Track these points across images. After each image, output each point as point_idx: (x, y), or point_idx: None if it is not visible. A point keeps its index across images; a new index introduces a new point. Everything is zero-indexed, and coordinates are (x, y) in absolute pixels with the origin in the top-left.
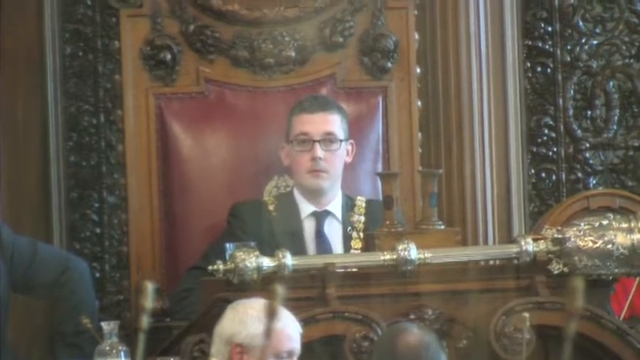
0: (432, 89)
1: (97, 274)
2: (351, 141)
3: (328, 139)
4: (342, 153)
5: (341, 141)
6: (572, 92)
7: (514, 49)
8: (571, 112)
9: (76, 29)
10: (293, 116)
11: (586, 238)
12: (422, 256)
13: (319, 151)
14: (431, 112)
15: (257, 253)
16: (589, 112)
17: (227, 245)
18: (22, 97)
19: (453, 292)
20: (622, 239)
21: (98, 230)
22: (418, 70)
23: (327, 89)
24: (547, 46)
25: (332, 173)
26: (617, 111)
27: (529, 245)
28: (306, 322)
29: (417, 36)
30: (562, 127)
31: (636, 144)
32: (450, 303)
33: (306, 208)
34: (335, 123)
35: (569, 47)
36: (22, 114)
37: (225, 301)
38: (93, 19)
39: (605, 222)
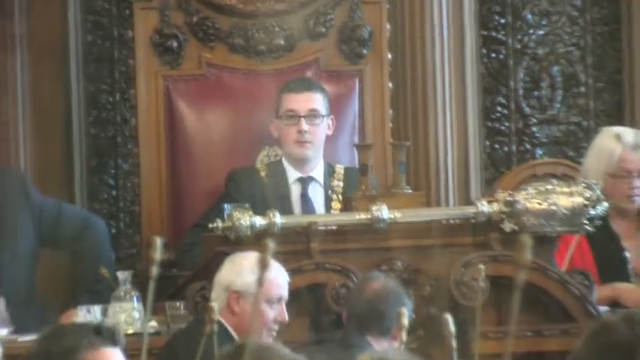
0: (401, 72)
1: (113, 231)
2: (332, 116)
3: (312, 114)
4: (324, 127)
5: (323, 116)
6: (521, 75)
7: (472, 38)
8: (520, 92)
9: (95, 20)
10: (282, 95)
11: (533, 201)
12: (392, 216)
13: (304, 125)
14: (400, 92)
15: (251, 213)
16: (536, 93)
17: (225, 206)
18: (49, 79)
19: (418, 247)
20: (564, 202)
21: (114, 193)
22: (389, 56)
23: (312, 72)
24: (500, 36)
25: (315, 144)
26: (560, 92)
27: (484, 207)
28: (293, 273)
29: (388, 27)
30: (513, 106)
31: (576, 120)
32: (416, 256)
33: (292, 174)
34: (318, 101)
35: (519, 37)
36: (49, 93)
37: (223, 254)
38: (110, 12)
39: (549, 187)
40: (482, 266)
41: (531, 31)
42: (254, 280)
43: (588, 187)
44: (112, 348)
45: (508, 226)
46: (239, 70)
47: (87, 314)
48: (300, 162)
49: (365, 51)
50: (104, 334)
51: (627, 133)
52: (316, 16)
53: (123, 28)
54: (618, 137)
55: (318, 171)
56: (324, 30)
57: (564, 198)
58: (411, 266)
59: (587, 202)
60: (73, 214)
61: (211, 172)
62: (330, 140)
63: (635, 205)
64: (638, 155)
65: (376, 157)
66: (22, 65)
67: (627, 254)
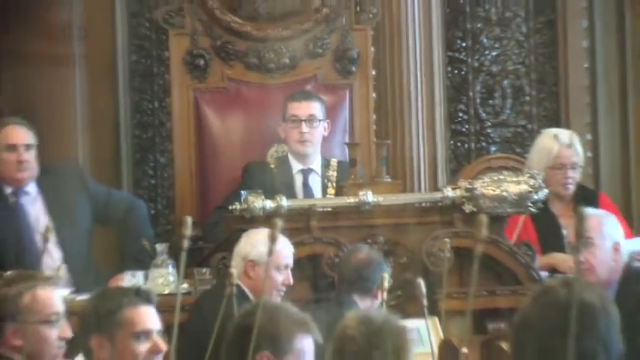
0: (382, 85)
1: (152, 211)
2: (327, 120)
3: (311, 119)
4: (321, 129)
5: (320, 120)
6: (478, 88)
7: (439, 58)
8: (478, 101)
9: (139, 43)
10: (287, 103)
11: (488, 188)
12: (375, 199)
13: (304, 127)
14: (382, 101)
15: (262, 197)
16: (490, 102)
17: (242, 192)
18: (102, 90)
19: (396, 225)
20: (513, 188)
21: (153, 181)
22: (373, 72)
23: (311, 85)
24: (461, 56)
25: (314, 142)
26: (510, 100)
27: (449, 193)
28: (296, 245)
29: (372, 49)
30: (472, 112)
31: (522, 123)
32: (395, 232)
33: (296, 166)
34: (316, 108)
35: (476, 57)
36: (102, 101)
37: (240, 230)
38: (150, 37)
39: (501, 177)
40: (447, 240)
41: (487, 52)
42: (265, 251)
43: (532, 177)
44: (148, 306)
45: (468, 208)
46: (253, 83)
47: (132, 278)
48: (301, 157)
49: (354, 68)
50: (142, 295)
51: (563, 133)
52: (315, 40)
53: (160, 50)
54: (556, 137)
55: (316, 164)
56: (321, 51)
57: (513, 185)
58: (390, 240)
59: (531, 189)
60: (120, 198)
61: (231, 165)
62: (325, 139)
63: (569, 191)
64: (571, 151)
65: (363, 152)
66: (80, 79)
67: (564, 231)
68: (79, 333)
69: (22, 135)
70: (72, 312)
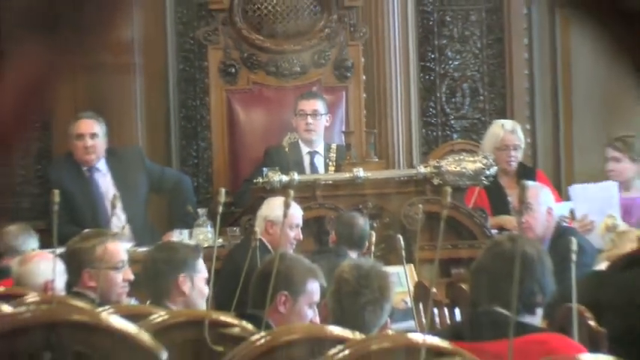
0: (370, 88)
1: (195, 184)
2: (329, 114)
3: (315, 113)
4: (323, 121)
5: (322, 114)
6: (444, 89)
7: (414, 67)
8: (444, 99)
9: (185, 55)
10: (297, 101)
11: (451, 165)
12: (365, 175)
13: (310, 120)
14: (370, 100)
15: (279, 173)
16: (453, 100)
17: (263, 169)
18: (156, 92)
19: (381, 194)
20: (470, 166)
21: (195, 161)
22: (364, 77)
23: (316, 87)
24: (431, 65)
25: (317, 132)
26: (468, 99)
27: (422, 169)
28: (304, 209)
29: (363, 60)
30: (439, 108)
31: (477, 116)
32: (380, 199)
33: (304, 149)
34: (319, 105)
35: (442, 66)
36: (155, 101)
37: (262, 198)
38: (193, 50)
39: (461, 157)
40: (420, 205)
41: (450, 62)
42: (281, 214)
43: (485, 157)
44: (196, 257)
45: (436, 181)
46: (272, 86)
47: (179, 235)
48: (308, 142)
49: (349, 74)
50: (190, 247)
51: (507, 123)
52: (319, 53)
53: (201, 61)
54: (502, 125)
55: (320, 147)
56: (323, 62)
57: (470, 164)
58: (376, 205)
59: (484, 167)
60: (170, 173)
61: (255, 148)
62: (327, 129)
63: (513, 168)
64: (514, 136)
65: (355, 139)
66: (139, 83)
67: (509, 198)
68: (163, 275)
69: (88, 126)
70: (133, 260)
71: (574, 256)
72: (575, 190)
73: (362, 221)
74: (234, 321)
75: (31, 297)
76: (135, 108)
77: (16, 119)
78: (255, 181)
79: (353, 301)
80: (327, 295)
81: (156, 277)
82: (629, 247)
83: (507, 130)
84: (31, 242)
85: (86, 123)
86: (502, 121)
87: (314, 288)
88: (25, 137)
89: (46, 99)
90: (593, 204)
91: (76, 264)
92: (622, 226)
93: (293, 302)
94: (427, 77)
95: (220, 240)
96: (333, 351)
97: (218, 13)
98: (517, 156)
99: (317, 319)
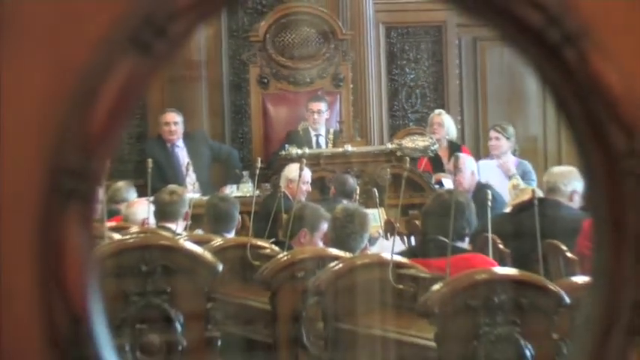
0: (356, 93)
1: (241, 155)
2: (328, 110)
3: (319, 111)
4: (324, 115)
5: (324, 111)
6: (404, 94)
7: (384, 79)
8: (403, 100)
9: (234, 71)
10: (307, 102)
11: (409, 143)
12: (352, 149)
13: (316, 116)
14: (355, 101)
15: (296, 148)
16: (410, 101)
17: (285, 145)
18: (215, 95)
19: (363, 162)
20: (421, 143)
21: (241, 140)
22: (351, 86)
23: (320, 93)
24: (396, 78)
25: (321, 122)
26: (419, 100)
27: (389, 146)
28: (312, 172)
29: (351, 74)
30: (400, 106)
31: (425, 111)
32: (362, 165)
33: (312, 133)
34: (322, 105)
35: (403, 78)
36: (215, 102)
37: (285, 164)
38: (240, 67)
39: (415, 137)
40: (388, 169)
41: (408, 76)
42: (297, 175)
43: (430, 138)
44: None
45: (399, 153)
46: (291, 91)
47: (230, 188)
48: (315, 129)
49: (341, 84)
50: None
51: (436, 111)
52: (322, 69)
53: (245, 74)
54: (439, 114)
55: (322, 132)
56: (325, 75)
57: (421, 142)
58: (360, 169)
59: (429, 144)
60: (225, 148)
61: (280, 132)
62: (327, 120)
63: (446, 143)
64: (439, 118)
65: (346, 126)
66: (204, 89)
67: (445, 165)
68: (220, 214)
69: (171, 117)
70: (200, 205)
71: (489, 203)
72: (481, 164)
73: (351, 180)
74: (267, 245)
75: (133, 229)
76: (201, 105)
77: (119, 113)
78: (280, 153)
79: (343, 231)
80: (327, 228)
81: (215, 215)
82: (525, 198)
83: (435, 114)
84: (133, 193)
85: (170, 115)
86: (438, 111)
87: (325, 227)
88: (127, 124)
89: (139, 99)
90: (492, 172)
91: (161, 207)
92: (522, 185)
93: (310, 237)
94: (393, 86)
95: (257, 192)
96: (331, 265)
97: (256, 43)
98: (440, 132)
99: (321, 244)
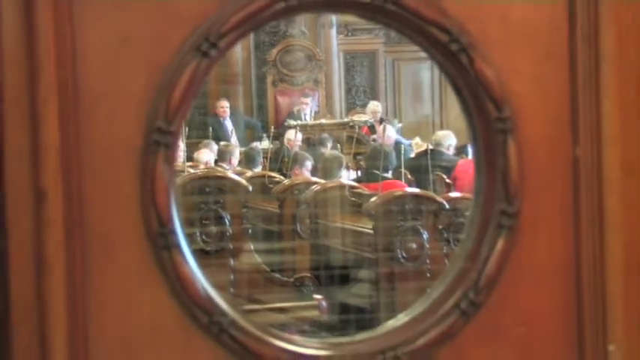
0: (328, 91)
1: (262, 124)
2: (311, 100)
3: (308, 103)
4: (311, 105)
5: (310, 103)
6: (354, 92)
7: (342, 84)
8: (353, 93)
9: (258, 77)
10: (300, 97)
11: (357, 118)
12: (326, 122)
13: (304, 106)
14: (327, 95)
15: (293, 121)
16: (357, 94)
17: (287, 119)
18: (247, 92)
19: (331, 129)
20: (364, 118)
21: (262, 117)
22: (324, 86)
23: (307, 90)
24: (349, 81)
25: (308, 109)
26: (362, 94)
27: (345, 120)
28: (303, 135)
29: (324, 79)
30: (352, 101)
31: (366, 100)
32: (331, 131)
33: (302, 113)
34: (308, 98)
35: (353, 82)
36: (247, 95)
37: (287, 130)
38: (260, 75)
39: (360, 115)
40: (345, 133)
41: (355, 81)
42: (294, 136)
43: (369, 115)
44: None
45: (351, 124)
46: (290, 89)
47: (256, 143)
48: (304, 110)
49: (318, 85)
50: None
51: (373, 102)
52: (308, 76)
53: (264, 79)
54: (374, 103)
55: (308, 112)
56: (309, 80)
57: (364, 117)
58: (329, 133)
59: (367, 119)
60: (253, 121)
61: (284, 112)
62: (310, 106)
63: (379, 118)
64: (375, 106)
65: (321, 109)
66: (242, 88)
67: (377, 130)
68: (250, 156)
69: (223, 102)
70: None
71: (402, 152)
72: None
73: (329, 138)
74: (277, 175)
75: (202, 166)
76: (239, 96)
77: (188, 95)
78: (284, 124)
79: (330, 165)
80: (311, 165)
81: (247, 158)
82: (422, 149)
83: (372, 103)
84: (205, 146)
85: (222, 101)
86: (372, 101)
87: (309, 165)
88: (193, 103)
89: (201, 87)
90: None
91: (218, 154)
92: (420, 142)
93: (300, 171)
94: (347, 85)
95: (271, 145)
96: (313, 186)
97: (270, 61)
98: (377, 110)
99: (308, 175)
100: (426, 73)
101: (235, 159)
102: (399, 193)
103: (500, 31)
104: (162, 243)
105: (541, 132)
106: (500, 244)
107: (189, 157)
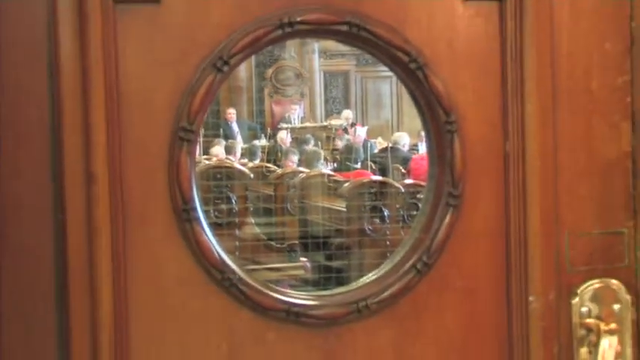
0: (312, 100)
1: (260, 127)
2: (299, 108)
3: (296, 110)
4: (298, 111)
5: (298, 109)
6: (331, 102)
7: (322, 94)
8: (331, 103)
9: (257, 90)
10: (290, 105)
11: (333, 122)
12: (309, 125)
13: (293, 112)
14: (311, 104)
15: (285, 124)
16: (334, 104)
17: (280, 123)
18: (247, 103)
19: (313, 131)
20: (339, 122)
21: (261, 121)
22: (309, 97)
23: (296, 100)
24: (330, 93)
25: (296, 113)
26: (337, 104)
27: (324, 123)
28: (291, 135)
29: (308, 90)
30: (330, 105)
31: (343, 109)
32: (313, 132)
33: (292, 118)
34: (297, 107)
35: (331, 94)
36: (248, 102)
37: (279, 131)
38: (260, 89)
39: (336, 120)
40: (324, 134)
41: (332, 93)
42: (285, 136)
43: (342, 120)
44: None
45: (329, 127)
46: (282, 100)
47: (255, 141)
48: (293, 116)
49: (304, 96)
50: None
51: (346, 111)
52: (296, 89)
53: (262, 92)
54: (347, 111)
55: (296, 117)
56: (297, 93)
57: (339, 122)
58: (314, 134)
59: (341, 123)
60: (253, 124)
61: (278, 117)
62: (298, 112)
63: (350, 122)
64: (347, 113)
65: (307, 114)
66: (245, 97)
67: (349, 131)
68: (253, 151)
69: (231, 110)
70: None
71: (369, 148)
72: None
73: (309, 138)
74: (272, 166)
75: (214, 159)
76: (243, 103)
77: (205, 102)
78: (277, 127)
79: (313, 157)
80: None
81: (250, 152)
82: (384, 146)
83: (345, 111)
84: (217, 143)
85: (231, 109)
86: (345, 109)
87: (295, 159)
88: (207, 110)
89: (215, 97)
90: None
91: (227, 149)
92: (382, 141)
93: (290, 163)
94: (326, 96)
95: (267, 143)
96: (300, 174)
97: (266, 78)
98: (349, 117)
99: (294, 165)
100: (387, 87)
101: (239, 153)
102: (366, 180)
103: (448, 53)
104: (185, 217)
105: (479, 131)
106: (447, 218)
107: (205, 151)
